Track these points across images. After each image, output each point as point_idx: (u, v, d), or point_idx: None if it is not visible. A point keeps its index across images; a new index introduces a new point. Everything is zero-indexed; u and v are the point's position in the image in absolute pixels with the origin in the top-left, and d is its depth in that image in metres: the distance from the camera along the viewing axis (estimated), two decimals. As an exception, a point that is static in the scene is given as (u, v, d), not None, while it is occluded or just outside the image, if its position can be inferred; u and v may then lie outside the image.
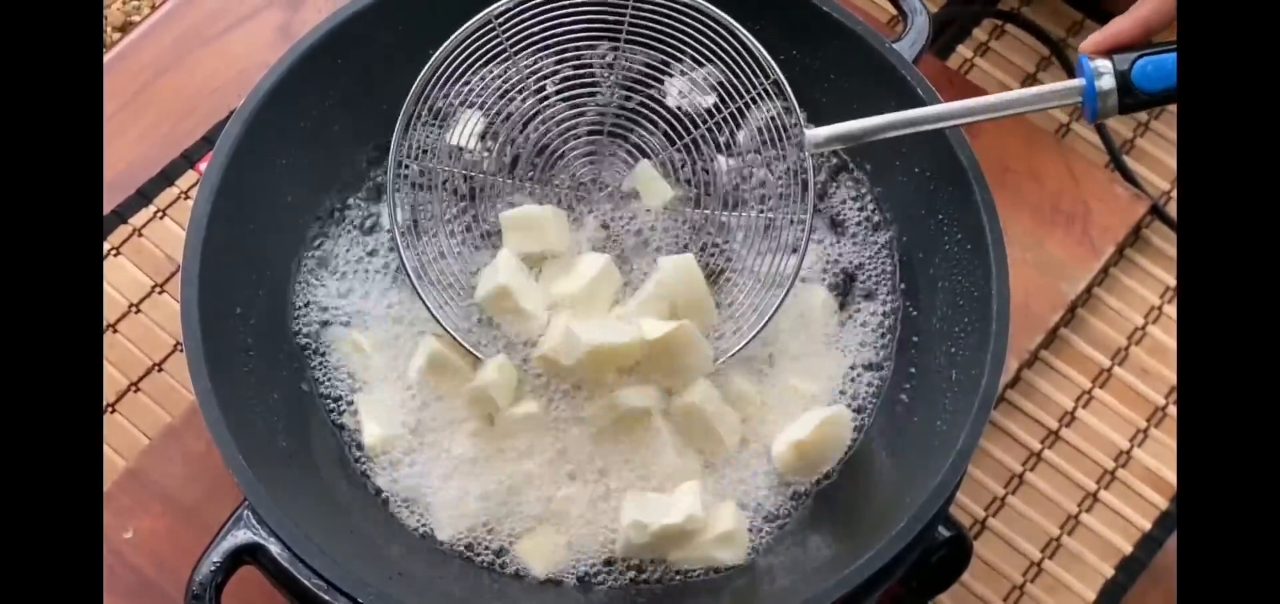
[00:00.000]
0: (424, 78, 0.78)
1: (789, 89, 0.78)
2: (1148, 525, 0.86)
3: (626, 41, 0.80)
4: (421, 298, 0.77)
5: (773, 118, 0.79)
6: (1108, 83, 0.74)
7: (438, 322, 0.77)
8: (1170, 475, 0.87)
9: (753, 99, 0.80)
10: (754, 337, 0.79)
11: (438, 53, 0.78)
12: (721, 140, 0.82)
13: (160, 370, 0.87)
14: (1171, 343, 0.91)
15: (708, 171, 0.82)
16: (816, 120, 0.86)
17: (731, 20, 0.78)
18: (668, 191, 0.82)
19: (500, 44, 0.79)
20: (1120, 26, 0.75)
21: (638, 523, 0.74)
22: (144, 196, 0.92)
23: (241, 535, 0.69)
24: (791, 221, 0.80)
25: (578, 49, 0.81)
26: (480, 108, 0.80)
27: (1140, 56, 0.74)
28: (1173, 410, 0.89)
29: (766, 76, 0.79)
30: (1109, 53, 0.75)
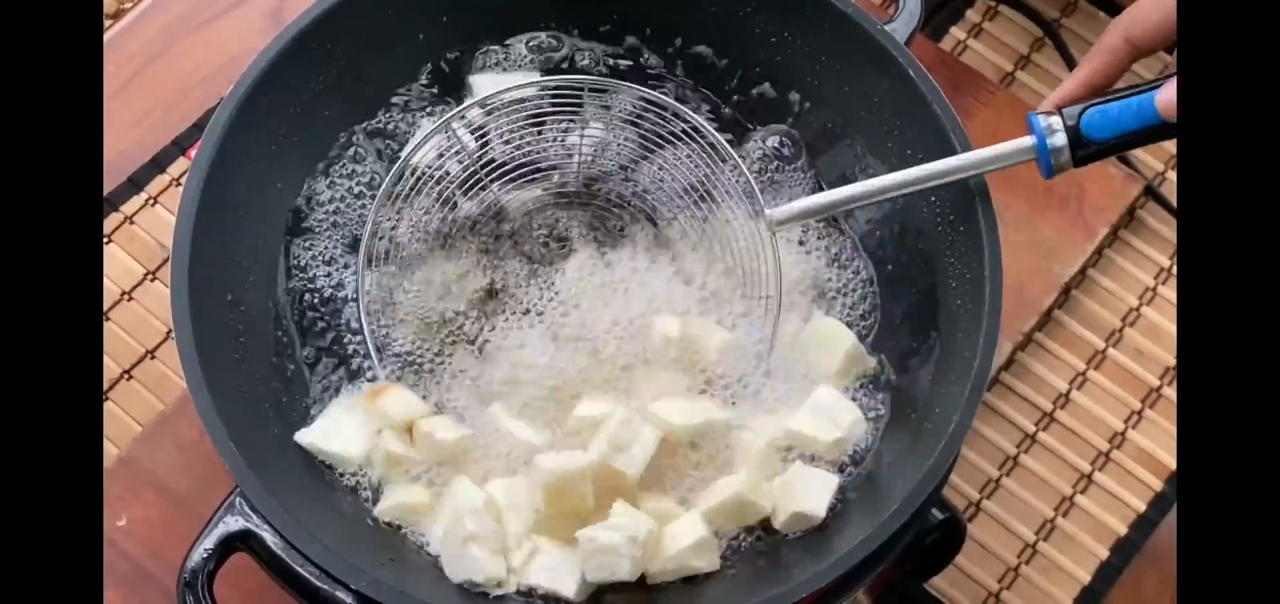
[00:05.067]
0: (387, 187, 0.79)
1: (750, 177, 0.79)
2: (1142, 507, 0.86)
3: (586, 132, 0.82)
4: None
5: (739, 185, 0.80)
6: (1060, 140, 0.75)
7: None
8: (1165, 457, 0.87)
9: (719, 188, 0.80)
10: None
11: (396, 166, 0.79)
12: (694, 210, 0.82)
13: (153, 358, 0.87)
14: (1166, 324, 0.91)
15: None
16: (811, 104, 0.86)
17: (691, 114, 0.79)
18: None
19: (459, 144, 0.80)
20: (1066, 89, 0.77)
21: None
22: (135, 184, 0.92)
23: (233, 523, 0.69)
24: (761, 297, 0.79)
25: (538, 136, 0.82)
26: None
27: (1087, 108, 0.75)
28: (1167, 392, 0.89)
29: (723, 162, 0.79)
30: (1058, 110, 0.76)
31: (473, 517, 0.71)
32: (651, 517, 0.72)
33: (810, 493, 0.74)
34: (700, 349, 0.78)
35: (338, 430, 0.76)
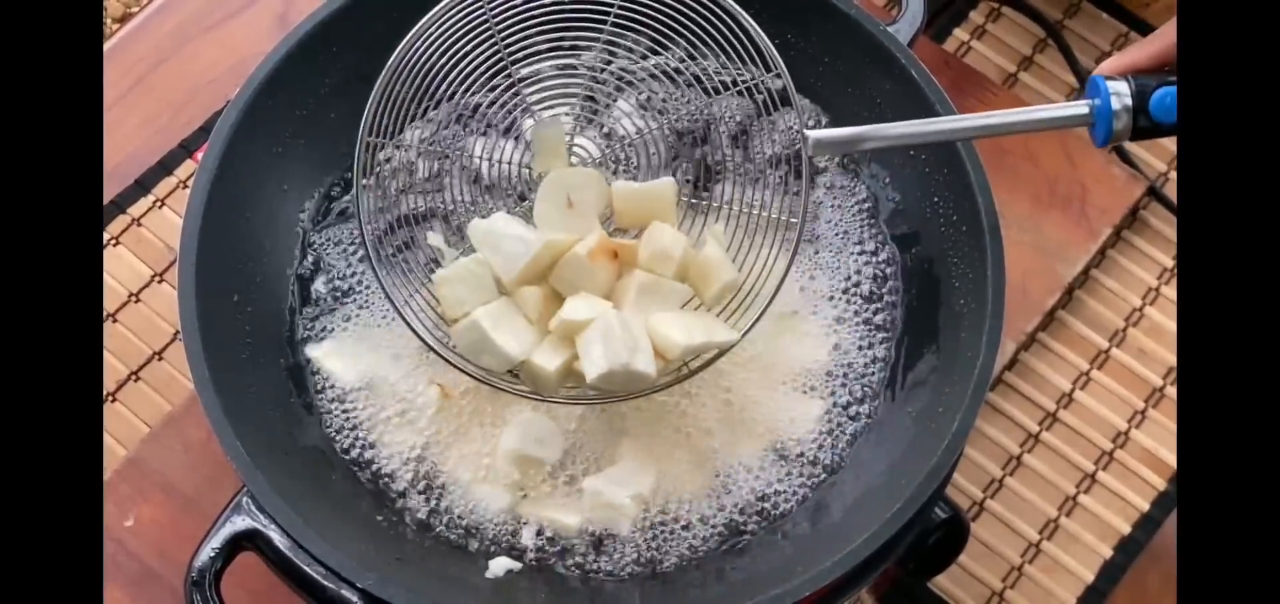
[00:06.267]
0: (402, 52, 0.75)
1: (792, 88, 0.74)
2: (1146, 506, 0.86)
3: (616, 25, 0.78)
4: (397, 310, 0.75)
5: (769, 104, 0.77)
6: (1121, 104, 0.70)
7: (421, 338, 0.75)
8: (1168, 456, 0.87)
9: (752, 88, 0.77)
10: (759, 318, 0.76)
11: (419, 24, 0.75)
12: (719, 130, 0.81)
13: (160, 359, 0.88)
14: (1169, 324, 0.91)
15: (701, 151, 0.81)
16: (812, 104, 0.87)
17: (741, 11, 0.75)
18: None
19: (485, 21, 0.77)
20: (1136, 55, 0.72)
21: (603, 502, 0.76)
22: (143, 186, 0.92)
23: (240, 522, 0.69)
24: (785, 221, 0.77)
25: (566, 30, 0.78)
26: (456, 91, 0.77)
27: (1162, 85, 0.70)
28: (1170, 391, 0.89)
29: (767, 69, 0.74)
30: (1124, 76, 0.71)
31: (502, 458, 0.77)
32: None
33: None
34: (703, 278, 0.76)
35: (346, 352, 0.79)
